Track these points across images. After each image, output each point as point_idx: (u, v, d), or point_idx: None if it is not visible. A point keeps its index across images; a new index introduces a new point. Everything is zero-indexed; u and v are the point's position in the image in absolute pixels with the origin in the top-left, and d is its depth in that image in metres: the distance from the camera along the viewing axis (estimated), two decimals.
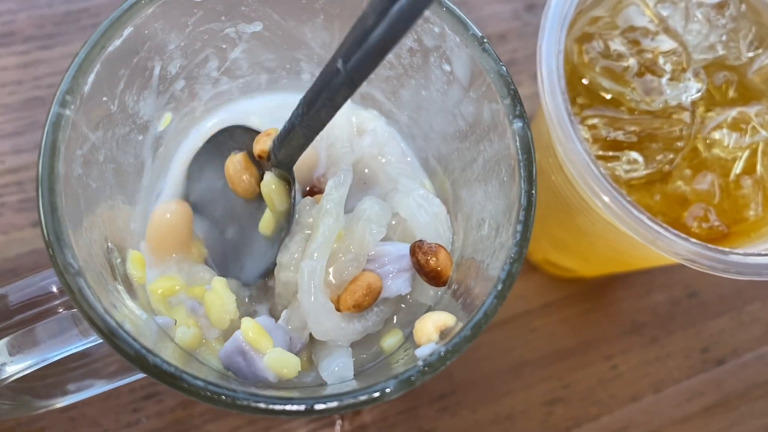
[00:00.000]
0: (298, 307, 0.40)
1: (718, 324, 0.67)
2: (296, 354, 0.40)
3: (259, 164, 0.42)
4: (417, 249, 0.39)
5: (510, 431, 0.61)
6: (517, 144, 0.35)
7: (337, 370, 0.39)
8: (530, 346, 0.64)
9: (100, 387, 0.47)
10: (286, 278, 0.41)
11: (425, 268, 0.39)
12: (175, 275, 0.43)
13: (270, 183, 0.41)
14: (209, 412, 0.58)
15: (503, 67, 0.36)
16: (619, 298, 0.67)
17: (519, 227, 0.33)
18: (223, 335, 0.42)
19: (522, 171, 0.34)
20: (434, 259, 0.38)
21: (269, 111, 0.48)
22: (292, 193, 0.41)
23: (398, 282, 0.40)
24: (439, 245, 0.40)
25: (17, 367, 0.37)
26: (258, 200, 0.43)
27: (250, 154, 0.42)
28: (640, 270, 0.66)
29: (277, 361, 0.38)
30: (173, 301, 0.43)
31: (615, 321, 0.66)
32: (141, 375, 0.49)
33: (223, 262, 0.45)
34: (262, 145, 0.41)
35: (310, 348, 0.42)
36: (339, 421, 0.60)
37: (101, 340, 0.35)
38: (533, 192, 0.34)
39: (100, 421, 0.56)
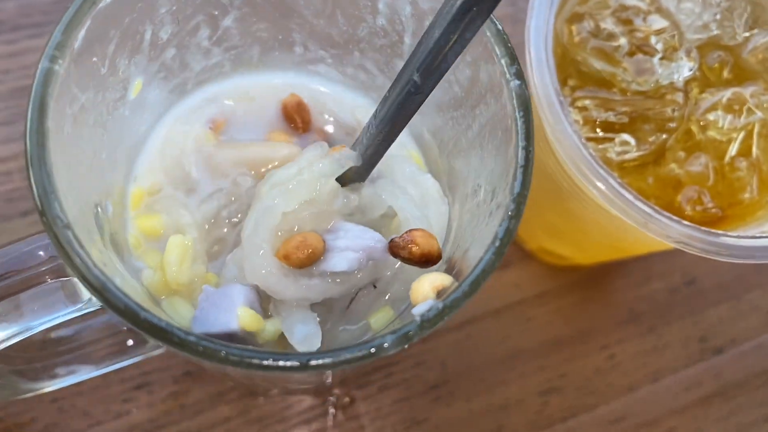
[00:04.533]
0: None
1: (716, 313, 0.67)
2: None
3: None
4: (394, 248, 0.38)
5: (505, 421, 0.60)
6: (515, 102, 0.34)
7: (305, 336, 0.38)
8: (525, 335, 0.63)
9: (88, 372, 0.47)
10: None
11: (414, 258, 0.38)
12: (161, 214, 0.43)
13: None
14: (200, 403, 0.57)
15: (499, 26, 0.36)
16: (616, 287, 0.66)
17: (517, 184, 0.33)
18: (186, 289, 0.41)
19: (519, 129, 0.34)
20: (415, 246, 0.37)
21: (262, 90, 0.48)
22: None
23: (339, 257, 0.38)
24: (412, 230, 0.39)
25: (1, 335, 0.36)
26: None
27: None
28: (637, 257, 0.66)
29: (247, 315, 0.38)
30: (151, 245, 0.43)
31: (612, 310, 0.65)
32: (130, 360, 0.48)
33: None
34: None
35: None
36: (332, 411, 0.59)
37: (88, 309, 0.35)
38: (531, 149, 0.33)
39: (90, 412, 0.56)
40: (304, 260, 0.38)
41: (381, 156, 0.38)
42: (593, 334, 0.64)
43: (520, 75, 0.35)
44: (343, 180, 0.40)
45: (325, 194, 0.39)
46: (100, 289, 0.30)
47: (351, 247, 0.38)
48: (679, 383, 0.64)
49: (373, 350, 0.30)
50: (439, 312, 0.31)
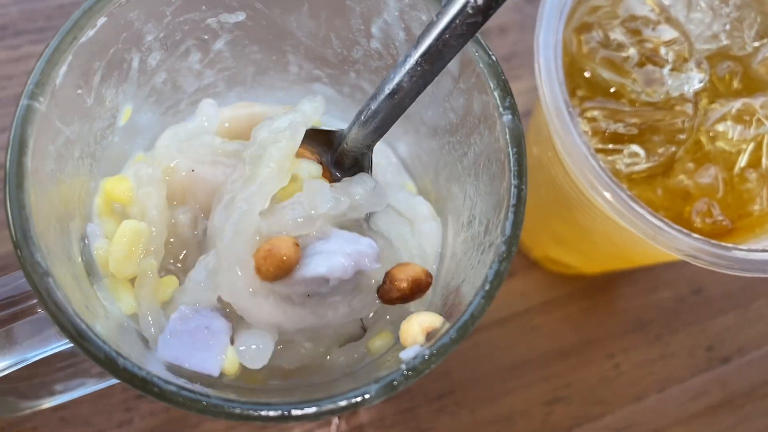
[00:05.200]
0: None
1: (723, 321, 0.66)
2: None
3: None
4: (385, 295, 0.36)
5: (510, 431, 0.60)
6: (507, 137, 0.34)
7: (253, 349, 0.36)
8: (531, 344, 0.63)
9: (89, 386, 0.46)
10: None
11: (408, 293, 0.36)
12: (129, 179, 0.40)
13: None
14: None
15: (493, 57, 0.35)
16: (622, 295, 0.66)
17: (508, 224, 0.32)
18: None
19: (512, 165, 0.33)
20: (402, 283, 0.36)
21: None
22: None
23: (320, 259, 0.35)
24: (387, 271, 0.37)
25: None
26: None
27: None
28: (644, 267, 0.65)
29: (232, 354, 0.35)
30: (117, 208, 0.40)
31: (618, 318, 0.65)
32: None
33: None
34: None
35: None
36: (335, 421, 0.59)
37: None
38: (523, 188, 0.33)
39: (93, 421, 0.56)
40: (276, 271, 0.35)
41: (391, 124, 0.37)
42: (599, 343, 0.64)
43: (513, 108, 0.35)
44: (344, 154, 0.38)
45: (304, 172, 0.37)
46: (78, 337, 0.29)
47: (337, 250, 0.36)
48: (686, 392, 0.63)
49: (356, 400, 0.30)
50: (426, 360, 0.31)
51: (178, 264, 0.40)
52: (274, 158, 0.36)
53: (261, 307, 0.35)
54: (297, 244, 0.35)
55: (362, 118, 0.37)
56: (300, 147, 0.38)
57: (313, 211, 0.36)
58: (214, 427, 0.57)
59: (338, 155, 0.40)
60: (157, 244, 0.38)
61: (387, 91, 0.35)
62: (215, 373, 0.35)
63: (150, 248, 0.38)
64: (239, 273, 0.35)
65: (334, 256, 0.35)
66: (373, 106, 0.36)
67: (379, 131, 0.37)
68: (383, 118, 0.36)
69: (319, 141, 0.41)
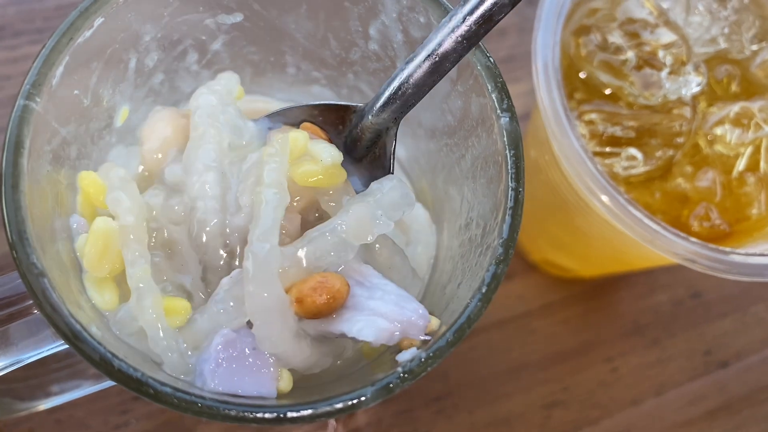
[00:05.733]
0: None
1: (721, 326, 0.66)
2: None
3: None
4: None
5: None
6: (505, 139, 0.33)
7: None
8: (529, 347, 0.63)
9: (86, 388, 0.46)
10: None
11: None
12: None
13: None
14: None
15: (491, 60, 0.35)
16: (620, 299, 0.66)
17: (505, 227, 0.32)
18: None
19: (509, 168, 0.33)
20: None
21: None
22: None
23: (366, 323, 0.33)
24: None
25: None
26: None
27: None
28: (642, 270, 0.65)
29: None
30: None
31: (616, 322, 0.65)
32: None
33: None
34: None
35: None
36: (332, 423, 0.59)
37: None
38: (521, 190, 0.33)
39: (89, 423, 0.55)
40: (321, 307, 0.33)
41: (425, 93, 0.35)
42: (597, 347, 0.64)
43: (511, 111, 0.34)
44: (365, 129, 0.36)
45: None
46: (73, 338, 0.29)
47: (384, 313, 0.33)
48: (684, 397, 0.63)
49: (353, 403, 0.29)
50: (422, 362, 0.31)
51: (182, 279, 0.37)
52: (272, 185, 0.33)
53: (302, 350, 0.34)
54: (347, 284, 0.33)
55: (394, 84, 0.35)
56: (308, 123, 0.37)
57: (355, 242, 0.34)
58: (209, 429, 0.57)
59: (359, 131, 0.38)
60: (139, 249, 0.34)
61: (425, 54, 0.33)
62: (273, 394, 0.33)
63: (135, 253, 0.34)
64: (278, 322, 0.33)
65: (380, 322, 0.33)
66: (408, 72, 0.34)
67: (412, 101, 0.35)
68: (418, 85, 0.34)
69: (330, 118, 0.39)
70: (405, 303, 0.34)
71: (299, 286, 0.33)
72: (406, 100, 0.35)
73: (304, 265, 0.33)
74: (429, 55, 0.33)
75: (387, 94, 0.35)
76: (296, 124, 0.39)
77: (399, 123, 0.37)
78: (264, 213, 0.33)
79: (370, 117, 0.36)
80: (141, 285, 0.33)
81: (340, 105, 0.39)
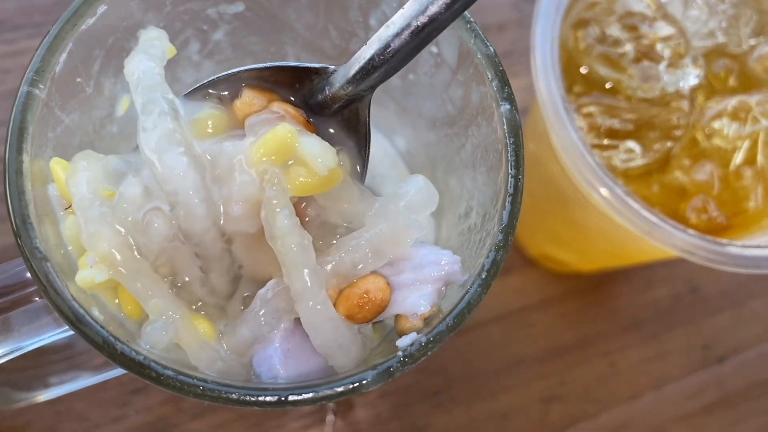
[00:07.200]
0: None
1: (719, 320, 0.66)
2: None
3: None
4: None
5: (506, 429, 0.60)
6: (505, 127, 0.34)
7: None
8: (527, 342, 0.63)
9: (84, 380, 0.46)
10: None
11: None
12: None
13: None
14: (198, 406, 0.57)
15: (491, 48, 0.35)
16: (618, 293, 0.66)
17: (505, 213, 0.32)
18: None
19: (509, 155, 0.33)
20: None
21: None
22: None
23: (415, 297, 0.33)
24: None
25: None
26: None
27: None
28: (640, 265, 0.65)
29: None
30: None
31: (614, 317, 0.65)
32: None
33: None
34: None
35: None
36: (331, 416, 0.59)
37: None
38: (520, 177, 0.33)
39: (88, 415, 0.55)
40: (369, 315, 0.33)
41: (408, 60, 0.32)
42: (595, 341, 0.64)
43: (510, 99, 0.34)
44: (335, 98, 0.34)
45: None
46: (76, 322, 0.29)
47: (427, 277, 0.34)
48: (682, 391, 0.64)
49: (353, 386, 0.29)
50: (423, 346, 0.31)
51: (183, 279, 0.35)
52: (290, 233, 0.31)
53: (356, 348, 0.34)
54: (389, 283, 0.33)
55: (373, 51, 0.32)
56: (269, 93, 0.35)
57: (392, 250, 0.33)
58: (207, 422, 0.57)
59: (329, 99, 0.35)
60: (142, 282, 0.31)
61: (407, 18, 0.31)
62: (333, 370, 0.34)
63: (141, 289, 0.31)
64: (334, 330, 0.33)
65: (427, 287, 0.33)
66: (390, 40, 0.31)
67: (392, 70, 0.32)
68: (400, 54, 0.32)
69: (284, 78, 0.36)
70: (433, 258, 0.34)
71: (344, 304, 0.33)
72: (386, 70, 0.32)
73: (344, 274, 0.33)
74: (413, 20, 0.30)
75: (362, 63, 0.33)
76: (238, 91, 0.36)
77: (374, 90, 0.35)
78: (295, 266, 0.31)
79: (342, 85, 0.34)
80: (163, 317, 0.32)
81: (298, 66, 0.36)
